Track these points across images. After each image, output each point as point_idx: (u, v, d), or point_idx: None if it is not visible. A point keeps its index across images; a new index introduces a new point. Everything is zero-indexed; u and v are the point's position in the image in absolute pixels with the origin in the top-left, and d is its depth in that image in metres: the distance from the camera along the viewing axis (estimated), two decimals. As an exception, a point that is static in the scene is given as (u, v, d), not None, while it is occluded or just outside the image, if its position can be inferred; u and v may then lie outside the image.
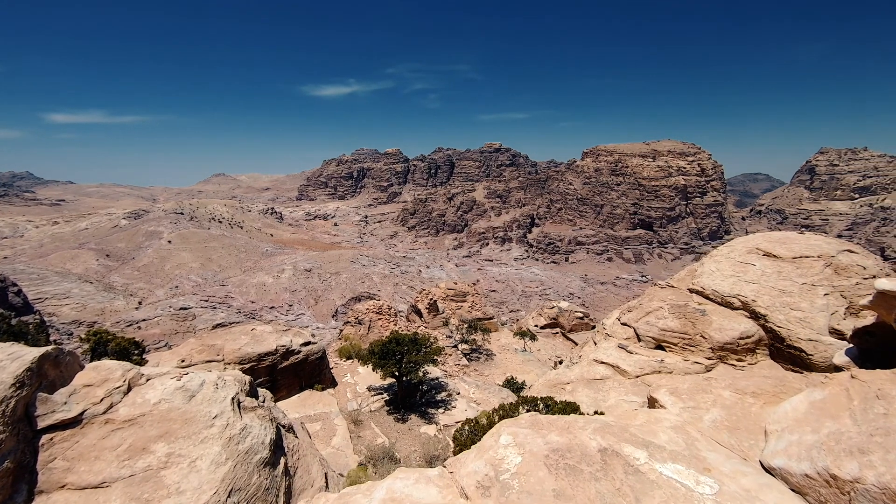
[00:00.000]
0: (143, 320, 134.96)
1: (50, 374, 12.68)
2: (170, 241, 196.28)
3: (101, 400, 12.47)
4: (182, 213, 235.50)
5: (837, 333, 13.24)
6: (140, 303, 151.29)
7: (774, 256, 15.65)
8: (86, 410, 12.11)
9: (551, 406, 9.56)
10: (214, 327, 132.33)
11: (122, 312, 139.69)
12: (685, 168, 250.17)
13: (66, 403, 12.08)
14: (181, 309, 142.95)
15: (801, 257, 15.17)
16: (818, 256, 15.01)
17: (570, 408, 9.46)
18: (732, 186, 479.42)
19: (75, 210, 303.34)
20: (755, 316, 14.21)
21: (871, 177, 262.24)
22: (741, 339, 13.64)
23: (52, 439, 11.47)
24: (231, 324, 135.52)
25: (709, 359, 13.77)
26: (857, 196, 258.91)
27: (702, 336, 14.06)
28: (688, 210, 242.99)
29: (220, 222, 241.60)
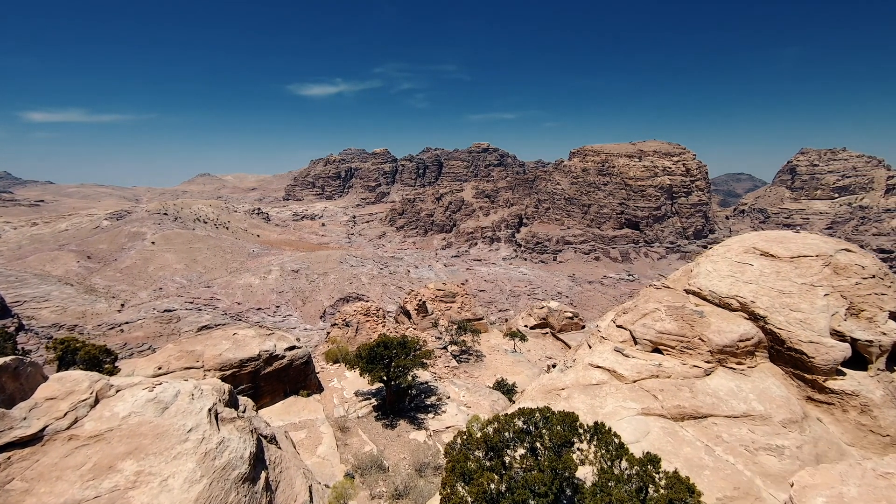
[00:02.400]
0: (126, 323, 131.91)
1: (8, 386, 11.76)
2: (153, 243, 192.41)
3: (65, 414, 11.59)
4: (166, 214, 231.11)
5: (838, 335, 12.91)
6: (123, 305, 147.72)
7: (772, 256, 15.30)
8: (47, 426, 11.22)
9: (549, 418, 8.98)
10: (200, 329, 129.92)
11: (105, 315, 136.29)
12: (670, 168, 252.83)
13: (25, 419, 11.18)
14: (165, 311, 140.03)
15: (799, 257, 14.84)
16: (816, 256, 14.69)
17: (569, 418, 8.90)
18: (716, 186, 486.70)
19: (55, 211, 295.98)
20: (754, 317, 13.82)
21: (849, 177, 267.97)
22: (741, 341, 13.23)
23: (9, 458, 10.57)
24: (217, 325, 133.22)
25: (707, 362, 13.34)
26: (836, 195, 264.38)
27: (700, 339, 13.62)
28: (673, 209, 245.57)
29: (206, 223, 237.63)
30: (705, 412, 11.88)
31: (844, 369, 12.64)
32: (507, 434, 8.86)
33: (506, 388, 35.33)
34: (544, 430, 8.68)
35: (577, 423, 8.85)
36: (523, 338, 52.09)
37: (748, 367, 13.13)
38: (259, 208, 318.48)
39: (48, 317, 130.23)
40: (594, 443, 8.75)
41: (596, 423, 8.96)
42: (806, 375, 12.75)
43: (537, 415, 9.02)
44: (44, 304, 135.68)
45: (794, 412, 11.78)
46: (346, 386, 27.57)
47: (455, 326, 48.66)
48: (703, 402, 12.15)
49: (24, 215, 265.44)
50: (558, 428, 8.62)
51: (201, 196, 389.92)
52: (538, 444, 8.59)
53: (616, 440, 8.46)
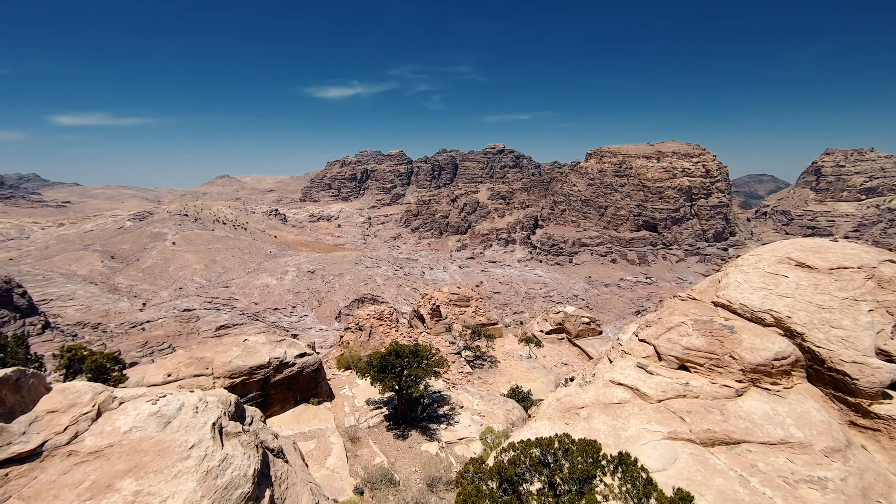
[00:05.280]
0: (148, 322, 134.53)
1: (8, 399, 11.48)
2: (174, 243, 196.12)
3: (66, 429, 11.26)
4: (186, 215, 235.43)
5: (885, 355, 11.89)
6: (144, 304, 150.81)
7: (809, 267, 14.27)
8: (47, 441, 10.89)
9: (569, 449, 8.28)
10: (218, 329, 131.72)
11: (127, 314, 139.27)
12: (690, 169, 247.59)
13: (24, 433, 10.87)
14: (185, 310, 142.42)
15: (839, 268, 13.79)
16: (858, 267, 13.63)
17: (591, 448, 8.17)
18: (737, 187, 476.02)
19: (81, 212, 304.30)
20: (791, 334, 12.84)
21: (877, 178, 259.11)
22: (776, 360, 12.27)
23: (6, 475, 10.25)
24: (234, 325, 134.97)
25: (739, 381, 12.42)
26: (863, 197, 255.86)
27: (731, 356, 12.70)
28: (692, 211, 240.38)
29: (224, 224, 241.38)
30: (738, 437, 11.00)
31: (891, 392, 11.63)
32: (522, 465, 8.18)
33: (520, 396, 34.47)
34: (564, 462, 7.98)
35: (600, 455, 8.12)
36: (538, 343, 51.09)
37: (784, 389, 12.18)
38: (276, 209, 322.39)
39: (73, 315, 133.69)
40: (619, 475, 8.02)
41: (620, 453, 8.21)
42: (848, 398, 11.77)
43: (556, 444, 8.32)
44: (69, 303, 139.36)
45: (836, 439, 10.83)
46: (358, 394, 27.08)
47: (469, 331, 47.91)
48: (736, 426, 11.27)
49: (52, 216, 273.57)
50: (579, 460, 7.90)
51: (220, 197, 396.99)
52: (557, 479, 7.90)
53: (643, 475, 7.70)
